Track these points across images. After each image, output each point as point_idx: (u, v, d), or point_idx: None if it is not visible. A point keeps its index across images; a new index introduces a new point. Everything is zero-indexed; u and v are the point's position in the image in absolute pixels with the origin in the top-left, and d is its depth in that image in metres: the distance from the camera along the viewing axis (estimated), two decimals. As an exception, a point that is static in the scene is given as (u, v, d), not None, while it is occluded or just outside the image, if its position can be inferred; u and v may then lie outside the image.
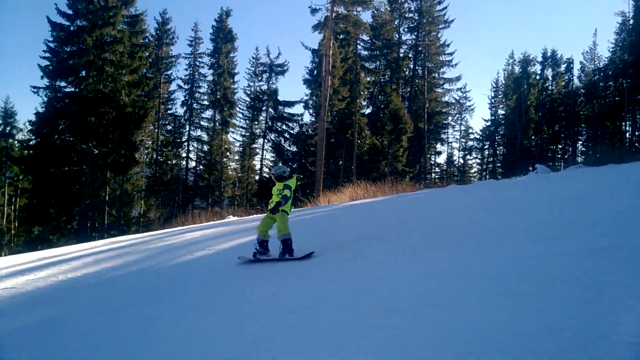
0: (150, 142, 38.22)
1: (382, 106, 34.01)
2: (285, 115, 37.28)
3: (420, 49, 39.70)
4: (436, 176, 48.10)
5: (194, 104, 41.61)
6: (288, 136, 36.96)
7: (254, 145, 42.71)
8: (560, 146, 45.60)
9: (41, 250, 14.43)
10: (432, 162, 48.06)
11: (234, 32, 38.00)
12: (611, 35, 51.06)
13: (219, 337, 3.47)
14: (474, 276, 3.73)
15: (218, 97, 37.04)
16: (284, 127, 37.10)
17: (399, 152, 30.37)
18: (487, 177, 48.57)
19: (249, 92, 40.85)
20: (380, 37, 37.14)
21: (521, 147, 41.47)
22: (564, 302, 2.74)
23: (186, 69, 41.48)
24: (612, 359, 2.02)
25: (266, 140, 37.91)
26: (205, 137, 41.80)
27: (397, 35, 39.96)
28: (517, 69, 44.72)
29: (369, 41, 36.91)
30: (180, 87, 41.52)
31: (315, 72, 31.37)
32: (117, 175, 29.97)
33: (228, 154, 39.58)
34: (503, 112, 48.49)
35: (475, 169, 53.25)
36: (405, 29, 40.54)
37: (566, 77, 43.27)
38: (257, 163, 43.58)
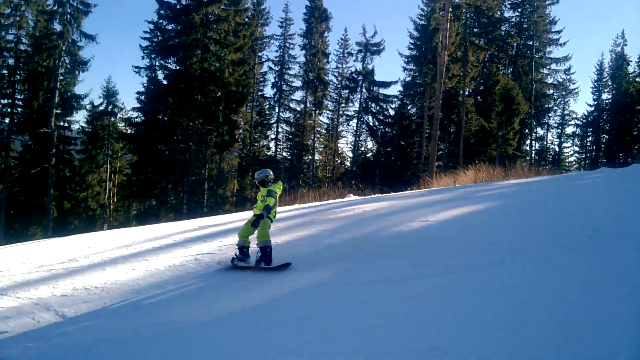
0: (243, 123, 38.49)
1: (487, 86, 31.79)
2: (380, 96, 36.10)
3: (525, 26, 36.88)
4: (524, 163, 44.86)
5: (284, 86, 41.42)
6: (382, 117, 35.77)
7: (342, 128, 42.00)
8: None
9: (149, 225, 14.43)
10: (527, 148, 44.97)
11: (329, 12, 37.20)
12: None
13: None
14: None
15: (311, 77, 36.48)
16: (378, 108, 35.94)
17: (509, 135, 28.32)
18: (587, 167, 44.85)
19: (336, 74, 40.14)
20: (483, 13, 34.79)
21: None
22: None
23: (276, 51, 41.33)
24: None
25: (360, 122, 36.99)
26: (293, 119, 41.61)
27: (499, 13, 37.31)
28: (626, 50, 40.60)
29: (473, 17, 34.70)
30: (270, 68, 41.44)
31: (423, 47, 29.71)
32: (221, 152, 30.25)
33: (319, 135, 39.10)
34: (608, 97, 44.44)
35: (573, 158, 49.36)
36: (508, 5, 37.80)
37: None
38: (342, 145, 42.98)
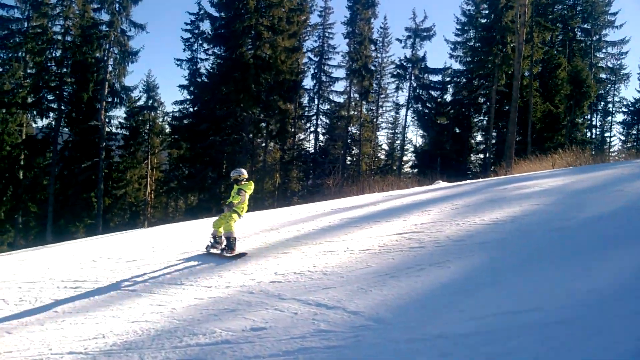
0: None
1: (548, 70, 30.36)
2: (430, 83, 34.79)
3: (579, 8, 35.41)
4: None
5: (323, 77, 40.27)
6: (434, 105, 34.45)
7: (386, 118, 40.84)
8: None
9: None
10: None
11: (375, -3, 35.89)
12: None
13: None
14: None
15: (357, 66, 35.25)
16: (430, 95, 34.62)
17: (579, 120, 26.99)
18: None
19: (375, 64, 38.89)
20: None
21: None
22: None
23: (315, 41, 40.15)
24: None
25: (410, 111, 35.73)
26: (332, 110, 40.46)
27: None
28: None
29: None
30: (310, 59, 40.30)
31: (493, 29, 28.14)
32: (276, 142, 29.25)
33: (364, 126, 37.88)
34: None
35: (617, 148, 47.57)
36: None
37: None
38: (382, 137, 41.78)
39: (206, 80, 28.95)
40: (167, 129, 38.48)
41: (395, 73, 35.42)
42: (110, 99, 29.39)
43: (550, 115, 27.82)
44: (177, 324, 4.07)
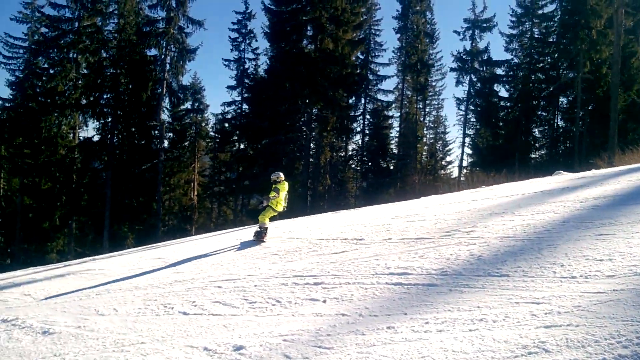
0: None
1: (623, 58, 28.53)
2: (491, 76, 33.13)
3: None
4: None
5: (369, 74, 38.93)
6: (497, 99, 32.84)
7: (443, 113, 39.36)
8: None
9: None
10: None
11: (431, -11, 34.55)
12: None
13: None
14: None
15: (413, 61, 33.81)
16: (492, 89, 33.00)
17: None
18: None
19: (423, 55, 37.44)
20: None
21: None
22: None
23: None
24: None
25: (471, 105, 34.06)
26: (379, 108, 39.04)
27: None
28: None
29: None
30: (356, 57, 39.02)
31: (568, 16, 26.57)
32: (339, 138, 27.92)
33: (420, 123, 36.35)
34: None
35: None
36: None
37: None
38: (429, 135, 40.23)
39: (265, 76, 27.75)
40: (211, 133, 37.41)
41: (455, 66, 33.86)
42: (167, 99, 28.27)
43: (634, 105, 26.05)
44: None
